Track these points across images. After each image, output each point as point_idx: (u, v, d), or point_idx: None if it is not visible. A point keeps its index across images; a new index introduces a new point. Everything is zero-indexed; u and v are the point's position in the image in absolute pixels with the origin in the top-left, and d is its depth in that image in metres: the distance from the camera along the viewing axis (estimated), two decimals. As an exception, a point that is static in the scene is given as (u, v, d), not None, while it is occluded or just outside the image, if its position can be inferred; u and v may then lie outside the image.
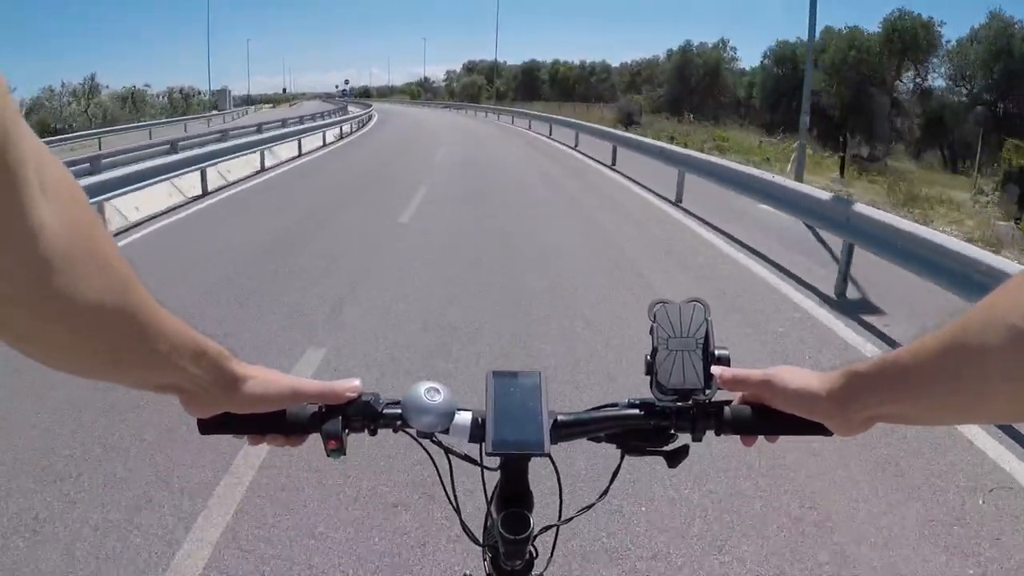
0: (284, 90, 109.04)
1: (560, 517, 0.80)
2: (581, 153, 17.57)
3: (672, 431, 0.73)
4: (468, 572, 1.04)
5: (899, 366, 0.56)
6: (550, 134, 23.63)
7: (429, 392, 0.70)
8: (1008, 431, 3.34)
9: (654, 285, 5.63)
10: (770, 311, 5.07)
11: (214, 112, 42.72)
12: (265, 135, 14.81)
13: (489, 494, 0.77)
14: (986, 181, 18.56)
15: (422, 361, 4.05)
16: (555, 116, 26.80)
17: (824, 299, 5.41)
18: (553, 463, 0.76)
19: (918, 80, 31.43)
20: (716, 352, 0.71)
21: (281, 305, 5.01)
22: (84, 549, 2.36)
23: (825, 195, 6.28)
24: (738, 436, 0.72)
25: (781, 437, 0.71)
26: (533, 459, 0.72)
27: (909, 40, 29.52)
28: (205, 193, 10.44)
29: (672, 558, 2.39)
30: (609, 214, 9.15)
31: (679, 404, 0.71)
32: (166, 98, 57.28)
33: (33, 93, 36.06)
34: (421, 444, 0.76)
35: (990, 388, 0.48)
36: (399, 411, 0.72)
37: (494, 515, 0.73)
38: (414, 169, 13.99)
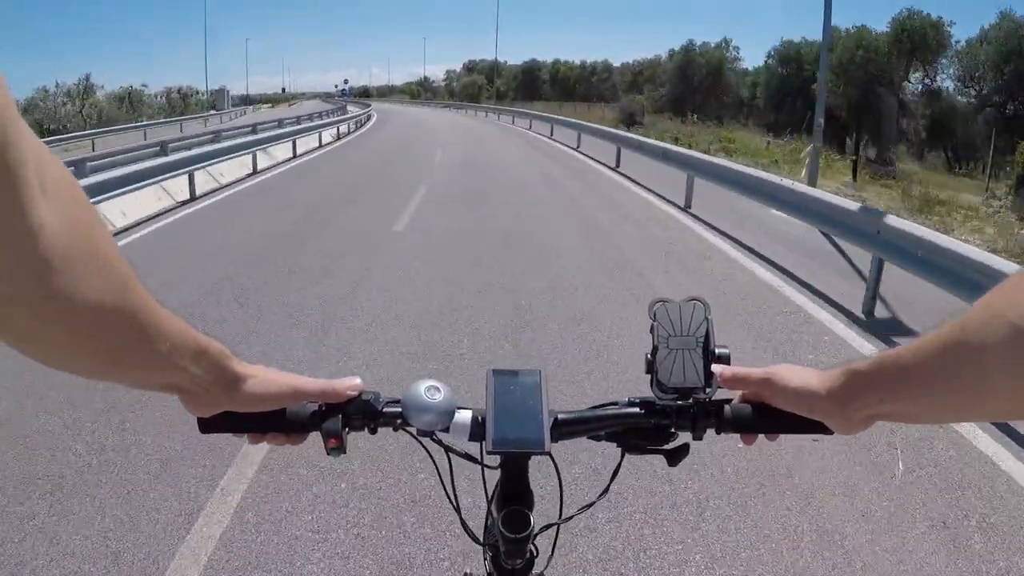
0: (283, 90, 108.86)
1: (560, 516, 0.80)
2: (583, 154, 17.15)
3: (672, 430, 0.73)
4: (469, 571, 1.01)
5: (899, 365, 0.56)
6: (551, 135, 23.22)
7: (429, 390, 0.70)
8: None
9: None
10: (797, 334, 4.66)
11: (211, 112, 42.37)
12: (258, 136, 14.41)
13: (489, 493, 0.76)
14: (997, 184, 18.16)
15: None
16: (556, 116, 26.39)
17: (852, 319, 5.00)
18: (554, 462, 0.76)
19: (927, 81, 30.97)
20: (716, 351, 0.70)
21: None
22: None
23: (853, 205, 5.84)
24: (738, 435, 0.72)
25: (781, 435, 0.72)
26: (533, 458, 0.71)
27: (918, 40, 29.05)
28: (193, 198, 10.02)
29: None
30: (613, 218, 8.76)
31: (679, 403, 0.70)
32: (164, 98, 56.96)
33: (27, 93, 35.67)
34: (421, 443, 0.76)
35: (990, 386, 0.48)
36: (399, 410, 0.72)
37: (494, 514, 0.73)
38: (413, 169, 13.78)
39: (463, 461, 0.78)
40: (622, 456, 0.77)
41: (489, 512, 0.77)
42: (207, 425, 0.68)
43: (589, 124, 20.17)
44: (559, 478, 0.82)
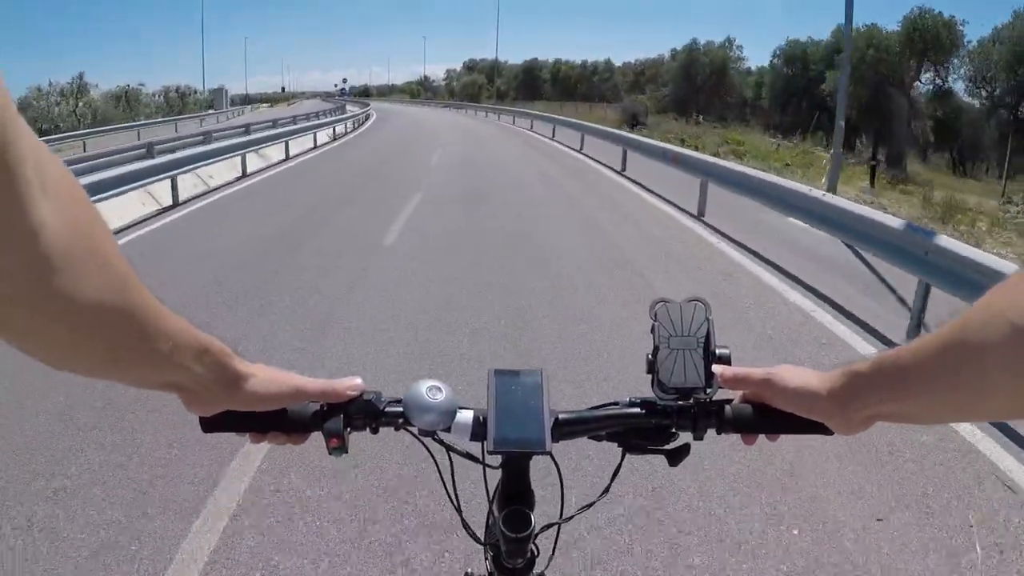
0: (283, 89, 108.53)
1: (561, 515, 0.80)
2: (586, 156, 16.56)
3: (673, 430, 0.73)
4: (470, 570, 0.97)
5: (899, 365, 0.56)
6: (553, 135, 22.60)
7: (431, 390, 0.70)
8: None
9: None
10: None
11: (208, 112, 41.82)
12: (250, 137, 13.83)
13: (490, 492, 0.76)
14: (1013, 188, 17.56)
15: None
16: (558, 117, 25.73)
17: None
18: (554, 461, 0.76)
19: (938, 81, 30.33)
20: (717, 351, 0.71)
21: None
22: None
23: (896, 222, 5.20)
24: (739, 435, 0.72)
25: (782, 436, 0.72)
26: (534, 457, 0.72)
27: (931, 39, 28.39)
28: (176, 204, 9.43)
29: None
30: (623, 226, 8.17)
31: (680, 403, 0.70)
32: (162, 97, 56.44)
33: (21, 92, 35.04)
34: (423, 442, 0.76)
35: (990, 385, 0.48)
36: (401, 409, 0.72)
37: (495, 513, 0.73)
38: (412, 169, 13.41)
39: (464, 461, 0.78)
40: (623, 456, 0.77)
41: (490, 512, 0.76)
42: (208, 424, 0.68)
43: (593, 125, 19.53)
44: (560, 478, 0.81)
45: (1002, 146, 25.54)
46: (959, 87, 30.49)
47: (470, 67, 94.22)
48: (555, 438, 0.72)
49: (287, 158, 15.15)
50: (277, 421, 0.70)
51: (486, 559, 0.81)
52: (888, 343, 4.57)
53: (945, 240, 4.54)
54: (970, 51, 29.08)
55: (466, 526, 0.80)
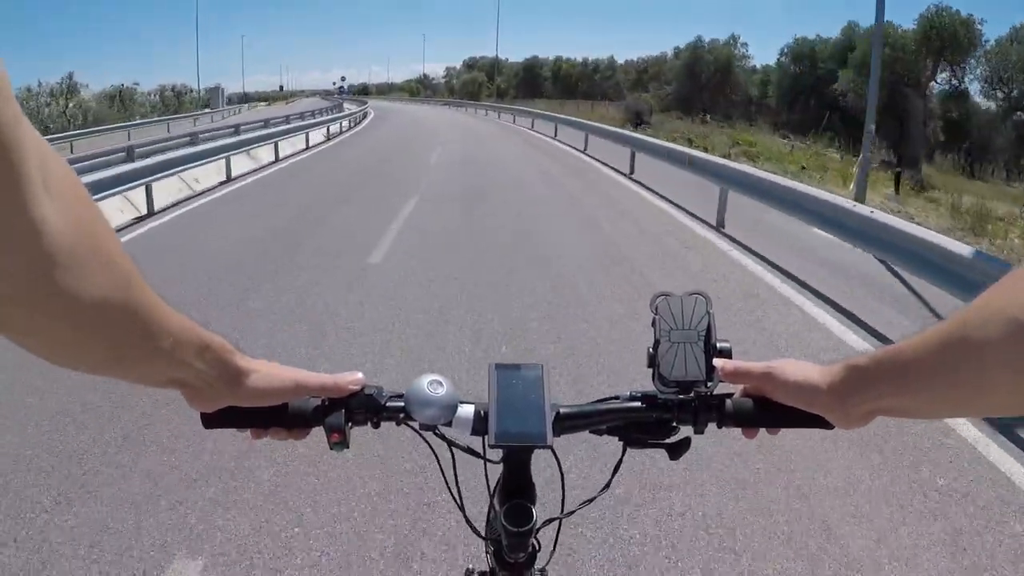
0: (281, 88, 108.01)
1: (563, 510, 0.81)
2: (591, 157, 16.00)
3: (674, 423, 0.73)
4: (471, 566, 1.00)
5: (899, 360, 0.56)
6: (555, 135, 21.93)
7: (432, 385, 0.70)
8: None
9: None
10: (913, 439, 3.34)
11: (204, 111, 41.14)
12: (240, 137, 13.17)
13: (492, 487, 0.76)
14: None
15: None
16: (561, 116, 25.04)
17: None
18: (555, 456, 0.76)
19: (954, 82, 29.47)
20: (718, 345, 0.71)
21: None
22: None
23: (963, 248, 4.31)
24: (739, 428, 0.72)
25: (782, 429, 0.72)
26: (535, 452, 0.72)
27: (948, 38, 27.51)
28: (151, 213, 8.73)
29: None
30: (632, 234, 7.64)
31: (681, 396, 0.71)
32: (158, 96, 55.77)
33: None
34: (424, 437, 0.76)
35: (990, 380, 0.48)
36: (402, 404, 0.71)
37: (497, 508, 0.74)
38: (413, 168, 13.00)
39: (465, 455, 0.77)
40: (624, 450, 0.76)
41: (491, 506, 0.76)
42: (210, 420, 0.68)
43: (597, 124, 18.83)
44: (561, 472, 0.82)
45: (1018, 147, 24.78)
46: (975, 88, 29.67)
47: (470, 65, 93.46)
48: (556, 432, 0.71)
49: (277, 160, 14.49)
50: (278, 416, 0.70)
51: (487, 553, 0.81)
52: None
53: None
54: (987, 51, 28.23)
55: (468, 520, 0.79)
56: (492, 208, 9.14)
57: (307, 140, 17.47)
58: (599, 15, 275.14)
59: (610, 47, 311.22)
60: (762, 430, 0.72)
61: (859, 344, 4.44)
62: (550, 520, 0.78)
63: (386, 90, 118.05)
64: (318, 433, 0.71)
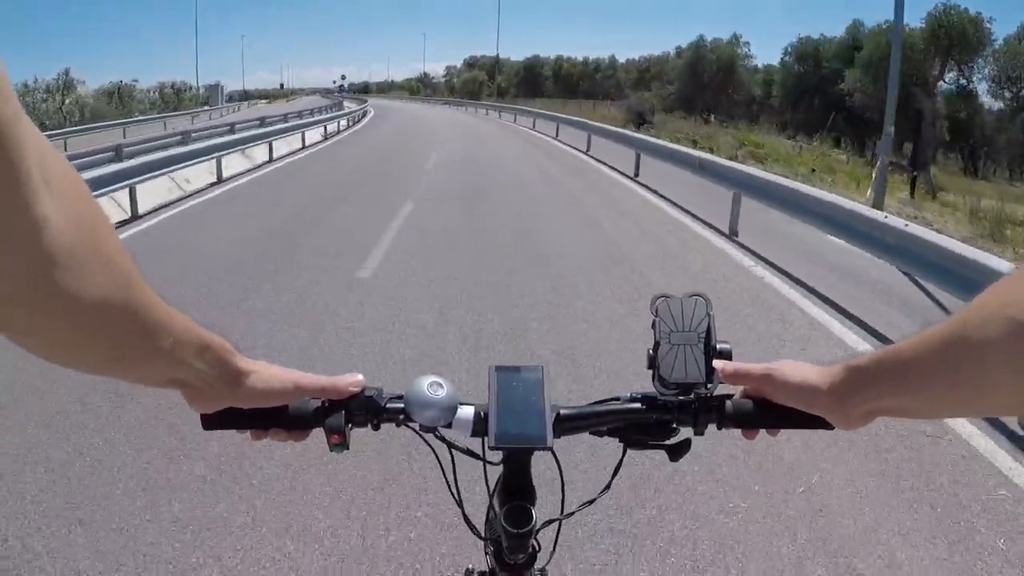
0: (281, 86, 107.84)
1: (562, 511, 0.81)
2: (593, 158, 15.80)
3: (674, 425, 0.73)
4: (471, 566, 0.99)
5: (899, 360, 0.56)
6: (556, 135, 21.53)
7: (432, 386, 0.70)
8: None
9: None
10: (965, 480, 2.93)
11: (203, 108, 40.75)
12: (234, 136, 12.88)
13: (491, 488, 0.76)
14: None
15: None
16: (563, 116, 24.63)
17: (1006, 433, 3.32)
18: (555, 457, 0.76)
19: (962, 81, 28.99)
20: (718, 346, 0.71)
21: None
22: None
23: (1004, 266, 3.88)
24: (739, 430, 0.73)
25: (782, 430, 0.72)
26: (535, 453, 0.72)
27: (956, 37, 27.00)
28: (135, 216, 8.33)
29: None
30: (644, 245, 7.39)
31: (681, 398, 0.71)
32: (157, 94, 55.44)
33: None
34: (424, 438, 0.76)
35: (990, 380, 0.48)
36: (402, 406, 0.72)
37: (496, 509, 0.74)
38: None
39: (465, 457, 0.78)
40: (624, 451, 0.77)
41: (491, 507, 0.76)
42: (210, 421, 0.68)
43: (600, 124, 18.51)
44: (561, 473, 0.81)
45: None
46: (982, 88, 29.19)
47: (471, 64, 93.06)
48: (556, 434, 0.72)
49: (270, 160, 14.12)
50: (278, 418, 0.70)
51: (487, 554, 0.82)
52: (1004, 431, 3.42)
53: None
54: (995, 50, 27.74)
55: (468, 522, 0.79)
56: (492, 207, 9.04)
57: (303, 140, 17.05)
58: (600, 14, 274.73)
59: (611, 46, 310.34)
60: (762, 431, 0.73)
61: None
62: (550, 521, 0.78)
63: (386, 88, 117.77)
64: (318, 434, 0.72)
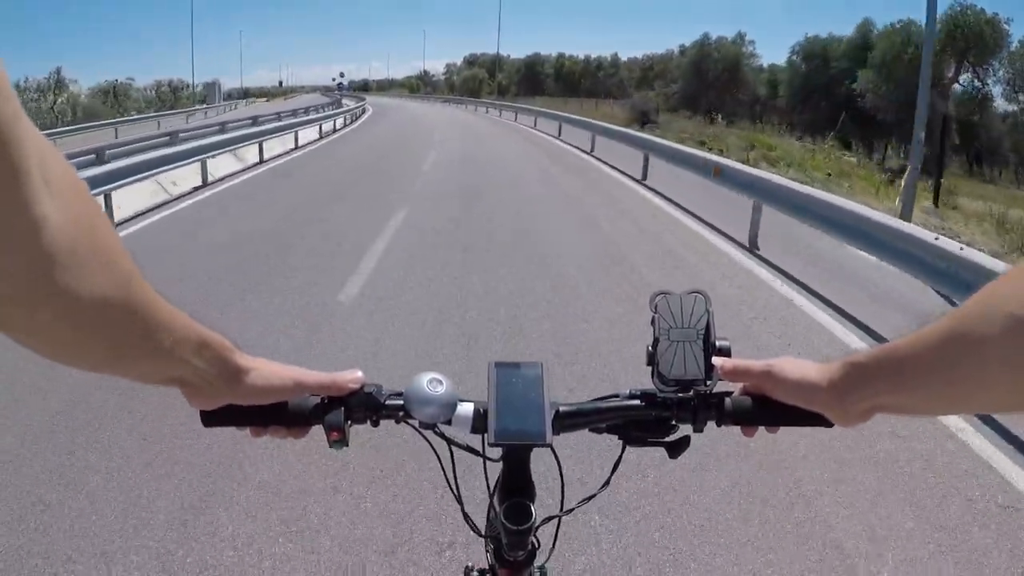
0: (280, 83, 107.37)
1: (562, 508, 0.81)
2: (597, 159, 15.53)
3: (673, 422, 0.73)
4: (470, 563, 0.99)
5: (897, 357, 0.56)
6: (559, 134, 21.00)
7: (431, 383, 0.70)
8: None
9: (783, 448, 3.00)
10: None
11: (200, 107, 40.20)
12: (224, 136, 12.33)
13: (491, 485, 0.77)
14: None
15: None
16: (566, 115, 24.06)
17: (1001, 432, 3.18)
18: (555, 454, 0.77)
19: (976, 83, 28.37)
20: (717, 343, 0.71)
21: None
22: None
23: None
24: (738, 427, 0.73)
25: (781, 427, 0.72)
26: (535, 450, 0.73)
27: (972, 38, 26.33)
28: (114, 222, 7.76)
29: None
30: (655, 257, 6.81)
31: (680, 395, 0.71)
32: (153, 92, 54.91)
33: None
34: (423, 435, 0.76)
35: (989, 377, 0.48)
36: (401, 402, 0.72)
37: (496, 506, 0.74)
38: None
39: (465, 453, 0.78)
40: (623, 448, 0.77)
41: (491, 504, 0.76)
42: (209, 418, 0.68)
43: (604, 124, 18.00)
44: (560, 470, 0.82)
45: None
46: (996, 90, 28.65)
47: (471, 62, 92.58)
48: (555, 430, 0.72)
49: (261, 161, 13.69)
50: (278, 415, 0.70)
51: (487, 551, 0.82)
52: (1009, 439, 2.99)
53: None
54: (1011, 53, 27.13)
55: (467, 518, 0.80)
56: (490, 207, 8.89)
57: (296, 140, 16.50)
58: (602, 12, 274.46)
59: (613, 45, 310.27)
60: (761, 428, 0.73)
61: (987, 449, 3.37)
62: (549, 518, 0.78)
63: (386, 86, 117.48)
64: (317, 431, 0.71)
